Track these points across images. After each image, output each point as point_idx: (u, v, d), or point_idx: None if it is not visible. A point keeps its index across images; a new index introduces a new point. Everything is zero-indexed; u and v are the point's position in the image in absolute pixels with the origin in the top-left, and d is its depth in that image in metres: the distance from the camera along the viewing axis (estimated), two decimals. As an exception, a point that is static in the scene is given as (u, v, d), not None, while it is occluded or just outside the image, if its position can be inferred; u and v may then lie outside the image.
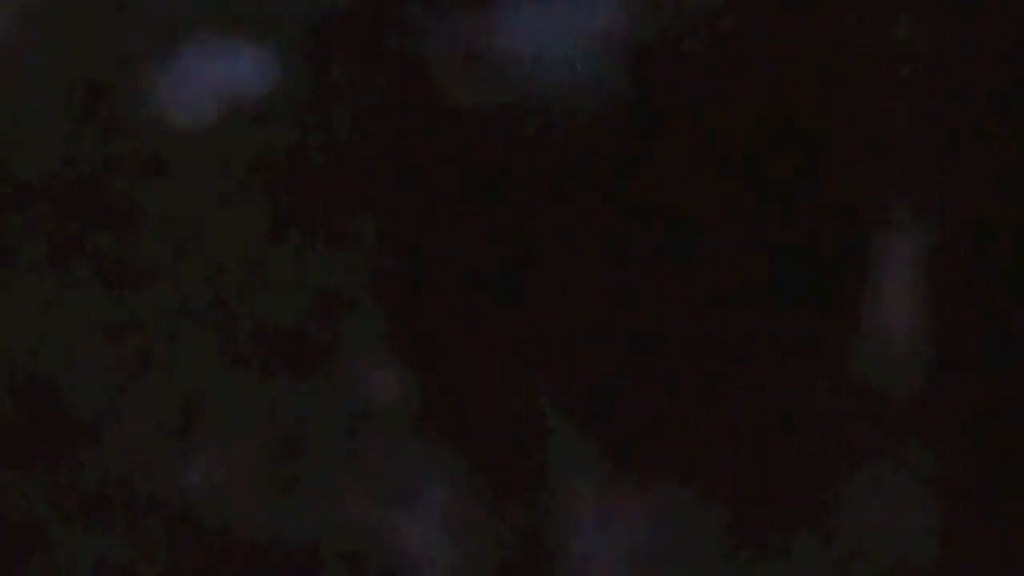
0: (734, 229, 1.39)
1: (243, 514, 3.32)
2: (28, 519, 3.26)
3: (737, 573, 1.46)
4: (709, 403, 1.39)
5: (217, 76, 5.94)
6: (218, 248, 5.04)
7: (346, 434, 3.75)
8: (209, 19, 5.63)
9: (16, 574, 3.13)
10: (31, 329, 4.27)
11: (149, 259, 5.10)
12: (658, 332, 1.39)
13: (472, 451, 1.50)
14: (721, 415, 1.39)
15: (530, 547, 1.52)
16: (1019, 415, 1.60)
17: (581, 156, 1.35)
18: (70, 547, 3.20)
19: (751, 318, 1.37)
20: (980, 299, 1.60)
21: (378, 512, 3.26)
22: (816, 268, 1.43)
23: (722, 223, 1.39)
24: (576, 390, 1.41)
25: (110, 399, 3.84)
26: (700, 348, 1.38)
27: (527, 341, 1.42)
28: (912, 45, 1.65)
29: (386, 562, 3.19)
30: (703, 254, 1.40)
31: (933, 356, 1.67)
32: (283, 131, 5.53)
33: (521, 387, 1.41)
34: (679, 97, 1.33)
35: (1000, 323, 1.58)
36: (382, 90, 1.42)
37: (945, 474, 1.68)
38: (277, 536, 3.21)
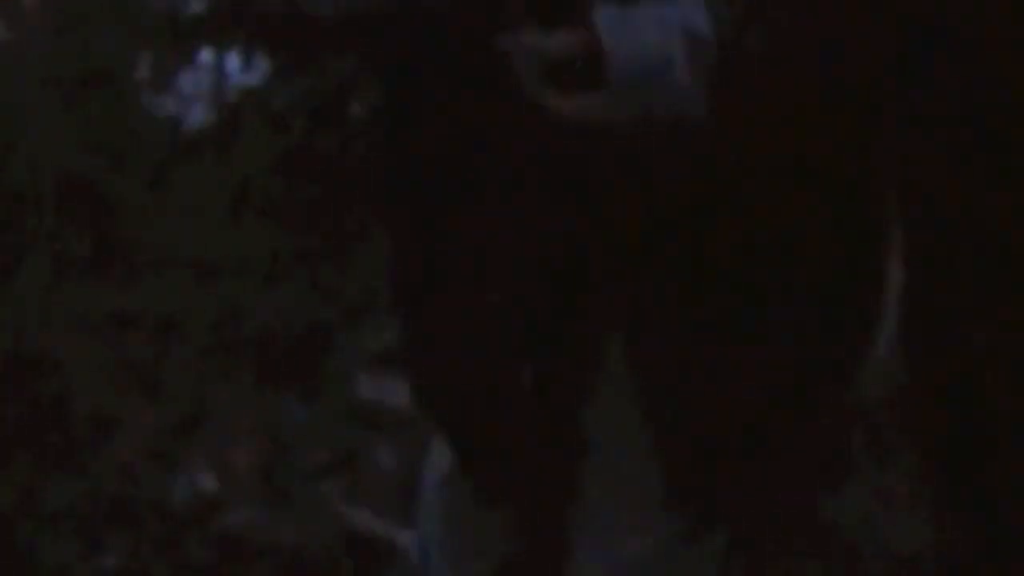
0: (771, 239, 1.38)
1: (243, 519, 3.32)
2: (25, 525, 3.26)
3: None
4: (716, 416, 1.38)
5: (227, 80, 5.94)
6: (223, 253, 5.04)
7: (349, 442, 3.75)
8: (220, 23, 5.63)
9: None
10: (31, 333, 4.26)
11: (150, 265, 5.10)
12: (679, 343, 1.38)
13: (478, 459, 1.50)
14: (727, 428, 1.39)
15: (532, 558, 1.52)
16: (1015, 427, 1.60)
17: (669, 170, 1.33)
18: (66, 554, 3.20)
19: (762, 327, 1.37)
20: (973, 309, 1.60)
21: (380, 519, 3.27)
22: (828, 279, 1.42)
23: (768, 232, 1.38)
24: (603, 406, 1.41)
25: (110, 404, 3.84)
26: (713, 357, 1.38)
27: (549, 353, 1.41)
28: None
29: (387, 568, 3.19)
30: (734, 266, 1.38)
31: (928, 368, 1.67)
32: (297, 136, 5.53)
33: (541, 397, 1.41)
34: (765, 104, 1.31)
35: (992, 333, 1.58)
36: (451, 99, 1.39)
37: (944, 488, 1.68)
38: (277, 543, 3.21)
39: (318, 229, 5.00)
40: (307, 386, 4.15)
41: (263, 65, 5.30)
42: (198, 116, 5.99)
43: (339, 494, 3.48)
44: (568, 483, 1.42)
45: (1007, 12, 1.53)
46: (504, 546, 1.48)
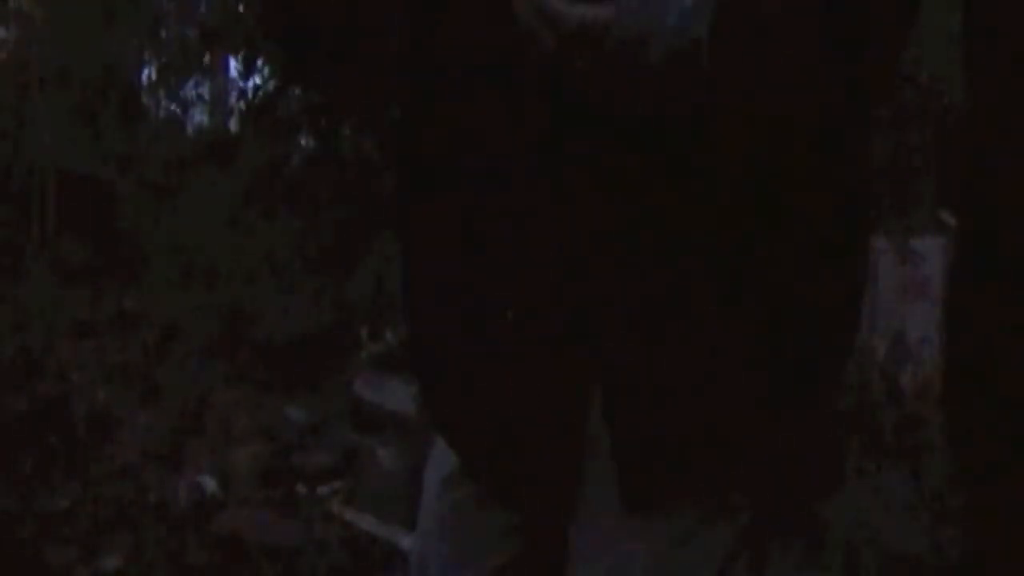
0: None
1: (243, 519, 3.33)
2: (27, 526, 3.27)
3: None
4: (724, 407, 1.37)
5: (233, 84, 5.95)
6: (224, 256, 5.04)
7: (349, 442, 3.76)
8: (224, 29, 5.64)
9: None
10: (33, 335, 4.26)
11: (152, 266, 5.10)
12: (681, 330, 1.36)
13: (479, 462, 1.49)
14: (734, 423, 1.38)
15: (533, 559, 1.52)
16: None
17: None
18: (67, 554, 3.21)
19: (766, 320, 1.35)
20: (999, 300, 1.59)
21: (380, 519, 3.27)
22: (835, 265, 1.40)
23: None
24: (601, 410, 1.40)
25: (110, 404, 3.84)
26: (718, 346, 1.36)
27: (552, 355, 1.39)
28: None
29: (387, 568, 3.20)
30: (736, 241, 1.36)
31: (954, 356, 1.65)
32: (301, 140, 5.55)
33: (540, 397, 1.40)
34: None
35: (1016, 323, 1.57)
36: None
37: (963, 476, 1.67)
38: (277, 543, 3.22)
39: (320, 232, 5.01)
40: (307, 387, 4.16)
41: (266, 71, 5.31)
42: (202, 120, 6.00)
43: (339, 495, 3.49)
44: (569, 483, 1.42)
45: None
46: (504, 547, 1.48)
